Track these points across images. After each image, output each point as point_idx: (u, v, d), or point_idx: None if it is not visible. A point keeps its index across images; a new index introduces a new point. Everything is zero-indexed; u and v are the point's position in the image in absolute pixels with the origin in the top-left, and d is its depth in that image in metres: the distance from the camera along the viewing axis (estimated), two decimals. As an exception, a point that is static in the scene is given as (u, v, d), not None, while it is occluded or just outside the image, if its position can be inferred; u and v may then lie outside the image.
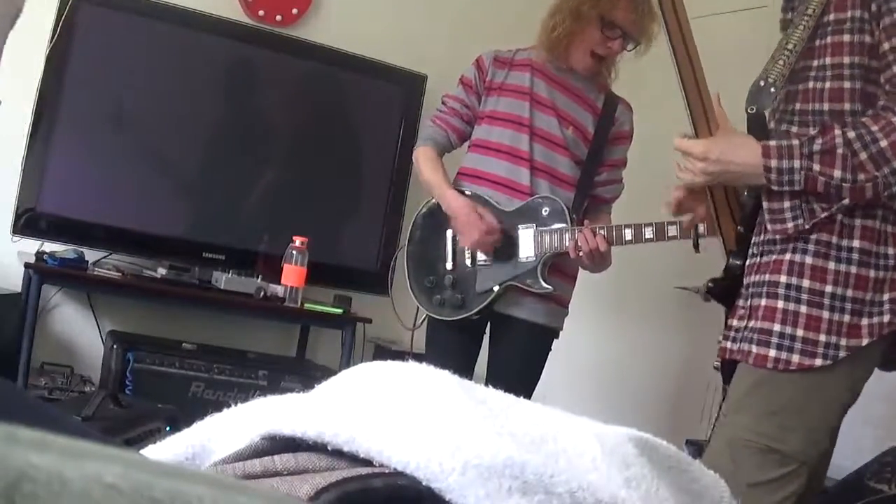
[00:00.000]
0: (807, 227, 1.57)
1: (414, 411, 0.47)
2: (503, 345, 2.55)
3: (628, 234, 2.30)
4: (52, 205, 3.07)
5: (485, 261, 2.48)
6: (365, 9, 3.71)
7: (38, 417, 0.43)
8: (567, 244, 2.37)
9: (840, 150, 1.49)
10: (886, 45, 1.50)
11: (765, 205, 1.62)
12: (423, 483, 0.41)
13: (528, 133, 2.47)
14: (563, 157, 2.49)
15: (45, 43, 3.01)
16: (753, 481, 1.55)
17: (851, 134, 1.48)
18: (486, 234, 2.41)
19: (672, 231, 2.20)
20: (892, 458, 2.12)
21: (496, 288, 2.45)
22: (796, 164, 1.52)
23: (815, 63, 1.58)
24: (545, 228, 2.42)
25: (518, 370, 2.51)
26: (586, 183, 2.52)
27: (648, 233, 2.26)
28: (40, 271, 2.93)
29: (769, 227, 1.62)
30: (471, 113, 2.58)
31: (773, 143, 1.56)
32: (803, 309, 1.58)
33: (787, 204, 1.59)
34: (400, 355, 3.02)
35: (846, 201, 1.53)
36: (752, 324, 1.64)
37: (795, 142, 1.53)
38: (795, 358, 1.57)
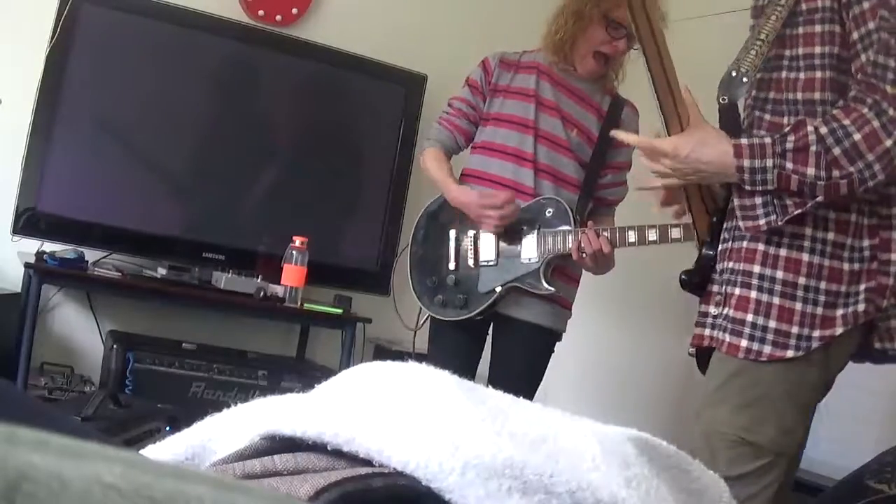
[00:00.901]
0: (780, 223, 1.55)
1: (413, 412, 0.47)
2: (505, 346, 2.54)
3: (631, 237, 2.29)
4: (52, 205, 3.07)
5: (487, 261, 2.47)
6: (365, 9, 3.70)
7: (38, 417, 0.43)
8: (570, 246, 2.36)
9: (813, 148, 1.46)
10: (855, 35, 1.48)
11: (735, 201, 1.59)
12: (423, 483, 0.41)
13: (533, 135, 2.47)
14: (567, 160, 2.49)
15: (45, 43, 3.01)
16: (729, 475, 1.54)
17: (824, 129, 1.46)
18: (504, 208, 2.39)
19: (675, 233, 2.19)
20: (892, 458, 2.12)
21: (498, 289, 2.45)
22: (769, 162, 1.50)
23: (788, 53, 1.57)
24: (548, 230, 2.41)
25: (520, 372, 2.50)
26: (590, 185, 2.51)
27: (652, 235, 2.25)
28: (40, 271, 2.93)
29: (741, 223, 1.59)
30: (476, 114, 2.58)
31: (744, 141, 1.53)
32: (776, 300, 1.57)
33: (758, 200, 1.56)
34: (400, 355, 3.03)
35: (820, 198, 1.50)
36: (726, 311, 1.63)
37: (767, 140, 1.50)
38: (767, 349, 1.57)
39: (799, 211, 1.53)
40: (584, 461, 0.45)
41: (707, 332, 1.68)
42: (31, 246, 3.05)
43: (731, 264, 1.65)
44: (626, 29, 2.40)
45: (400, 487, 0.41)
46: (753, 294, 1.59)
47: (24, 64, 3.06)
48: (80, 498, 0.24)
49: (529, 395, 2.50)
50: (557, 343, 2.59)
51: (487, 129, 2.54)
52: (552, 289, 2.41)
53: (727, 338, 1.61)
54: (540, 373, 2.57)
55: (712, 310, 1.69)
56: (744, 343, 1.59)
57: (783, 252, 1.57)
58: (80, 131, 3.13)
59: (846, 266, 1.55)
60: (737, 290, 1.62)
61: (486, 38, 2.76)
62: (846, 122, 1.45)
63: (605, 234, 2.31)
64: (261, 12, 3.50)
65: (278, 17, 3.54)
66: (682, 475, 0.54)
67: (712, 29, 3.09)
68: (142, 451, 0.49)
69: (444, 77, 3.06)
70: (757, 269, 1.59)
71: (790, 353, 1.56)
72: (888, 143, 1.43)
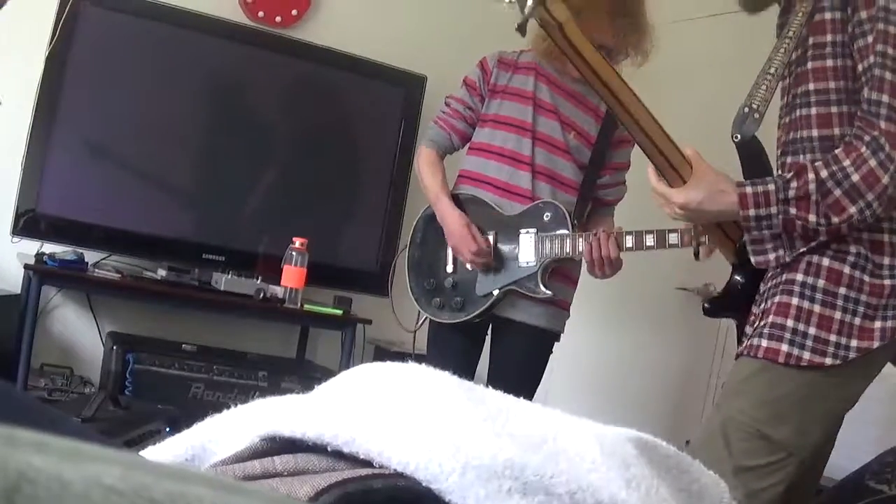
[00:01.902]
0: (788, 259, 1.60)
1: (414, 413, 0.47)
2: (504, 348, 2.54)
3: (629, 241, 2.29)
4: (52, 206, 3.07)
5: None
6: (365, 9, 3.70)
7: (38, 419, 0.43)
8: (568, 250, 2.37)
9: (813, 197, 1.51)
10: (860, 68, 1.51)
11: (746, 236, 1.64)
12: (423, 484, 0.41)
13: (531, 137, 2.47)
14: (565, 162, 2.49)
15: (45, 43, 3.01)
16: (742, 465, 1.57)
17: (824, 173, 1.50)
18: (475, 256, 2.42)
19: (673, 239, 2.21)
20: (893, 458, 2.12)
21: (496, 292, 2.45)
22: (773, 210, 1.55)
23: (801, 90, 1.60)
24: (546, 234, 2.41)
25: (519, 373, 2.51)
26: (589, 187, 2.52)
27: (649, 240, 2.26)
28: (40, 272, 2.93)
29: (752, 258, 1.64)
30: (474, 115, 2.57)
31: (749, 190, 1.57)
32: (817, 308, 1.59)
33: (767, 234, 1.61)
34: (400, 357, 3.02)
35: (823, 238, 1.56)
36: (763, 321, 1.65)
37: (772, 187, 1.55)
38: (806, 355, 1.58)
39: (804, 249, 1.59)
40: (584, 462, 0.45)
41: (739, 349, 1.71)
42: (30, 247, 3.05)
43: (774, 281, 1.67)
44: (603, 46, 2.41)
45: (400, 488, 0.41)
46: (795, 300, 1.61)
47: (24, 64, 3.06)
48: (81, 499, 0.24)
49: (528, 395, 2.50)
50: (556, 344, 2.59)
51: (485, 130, 2.54)
52: (549, 292, 2.41)
53: (764, 342, 1.62)
54: (539, 374, 2.57)
55: (748, 330, 1.71)
56: (784, 347, 1.60)
57: (826, 262, 1.60)
58: (80, 132, 3.13)
59: (887, 282, 1.58)
60: (777, 298, 1.64)
61: (486, 39, 2.75)
62: (846, 163, 1.49)
63: (612, 237, 2.31)
64: (260, 14, 3.50)
65: (278, 19, 3.54)
66: (682, 476, 0.54)
67: (713, 29, 3.09)
68: (142, 453, 0.49)
69: (444, 78, 3.06)
70: (800, 277, 1.62)
71: (829, 361, 1.58)
72: (885, 179, 1.47)
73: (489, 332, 2.59)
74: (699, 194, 1.63)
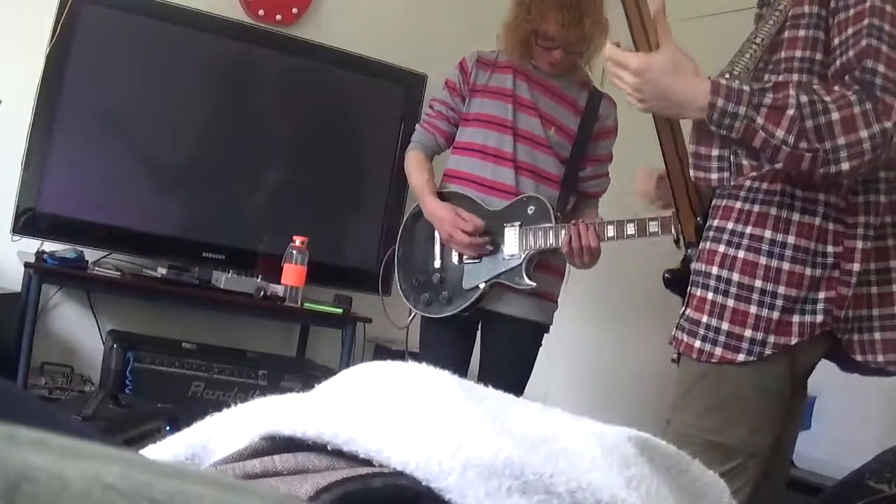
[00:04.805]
0: (731, 182, 1.51)
1: (414, 411, 0.47)
2: (493, 341, 2.58)
3: (610, 231, 2.33)
4: (52, 204, 3.07)
5: (471, 259, 2.51)
6: (365, 9, 3.70)
7: (38, 417, 0.43)
8: (551, 242, 2.40)
9: (791, 112, 1.39)
10: (836, 41, 1.46)
11: (691, 148, 1.52)
12: (423, 483, 0.41)
13: (512, 134, 2.51)
14: (546, 156, 2.53)
15: (45, 43, 3.01)
16: None
17: (804, 98, 1.40)
18: (471, 235, 2.45)
19: (653, 227, 2.23)
20: (892, 458, 2.11)
21: (482, 285, 2.49)
22: (741, 110, 1.40)
23: (775, 57, 1.56)
24: (530, 227, 2.45)
25: (508, 366, 2.55)
26: (571, 180, 2.56)
27: (630, 229, 2.29)
28: (40, 271, 2.93)
29: (692, 172, 1.52)
30: (456, 115, 2.63)
31: (723, 81, 1.43)
32: (730, 302, 1.56)
33: (715, 152, 1.49)
34: (400, 355, 3.03)
35: (779, 165, 1.43)
36: (687, 311, 1.63)
37: (746, 88, 1.42)
38: (718, 351, 1.56)
39: (753, 175, 1.49)
40: (584, 461, 0.45)
41: (675, 332, 1.69)
42: (31, 245, 3.06)
43: (696, 265, 1.65)
44: (555, 41, 2.43)
45: (400, 487, 0.41)
46: (710, 295, 1.58)
47: (24, 64, 3.06)
48: (81, 498, 0.24)
49: (519, 387, 2.55)
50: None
51: (467, 129, 2.59)
52: (533, 284, 2.45)
53: (685, 338, 1.61)
54: (529, 366, 2.61)
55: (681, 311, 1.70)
56: (697, 344, 1.58)
57: (741, 254, 1.56)
58: (80, 131, 3.13)
59: (808, 271, 1.52)
60: (697, 292, 1.62)
61: (486, 38, 2.76)
62: (827, 98, 1.40)
63: (592, 227, 2.34)
64: (261, 12, 3.50)
65: (278, 17, 3.54)
66: (683, 475, 0.54)
67: (711, 29, 3.09)
68: (142, 451, 0.49)
69: (444, 77, 3.06)
70: (715, 270, 1.59)
71: (741, 357, 1.54)
72: (863, 133, 1.38)
73: (479, 326, 2.62)
74: (661, 62, 1.45)
